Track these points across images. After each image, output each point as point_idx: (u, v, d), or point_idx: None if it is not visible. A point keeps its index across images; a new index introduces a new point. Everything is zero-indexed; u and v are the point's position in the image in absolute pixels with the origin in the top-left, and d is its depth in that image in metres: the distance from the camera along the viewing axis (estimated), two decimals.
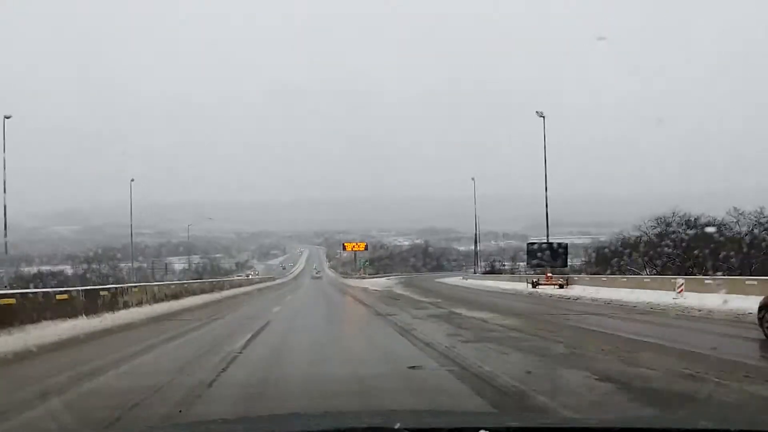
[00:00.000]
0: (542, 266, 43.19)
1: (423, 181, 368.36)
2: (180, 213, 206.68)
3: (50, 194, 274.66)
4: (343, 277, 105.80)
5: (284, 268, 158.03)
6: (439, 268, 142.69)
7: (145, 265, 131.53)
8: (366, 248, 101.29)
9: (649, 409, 6.30)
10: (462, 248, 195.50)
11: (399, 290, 40.86)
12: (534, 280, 41.99)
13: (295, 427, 3.06)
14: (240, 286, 50.75)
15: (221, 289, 39.87)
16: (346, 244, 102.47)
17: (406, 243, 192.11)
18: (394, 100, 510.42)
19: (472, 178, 71.14)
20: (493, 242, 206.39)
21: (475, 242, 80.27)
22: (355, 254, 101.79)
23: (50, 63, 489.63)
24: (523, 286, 43.05)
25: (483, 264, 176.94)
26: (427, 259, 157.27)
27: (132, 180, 67.68)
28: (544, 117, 47.01)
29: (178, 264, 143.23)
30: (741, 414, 5.62)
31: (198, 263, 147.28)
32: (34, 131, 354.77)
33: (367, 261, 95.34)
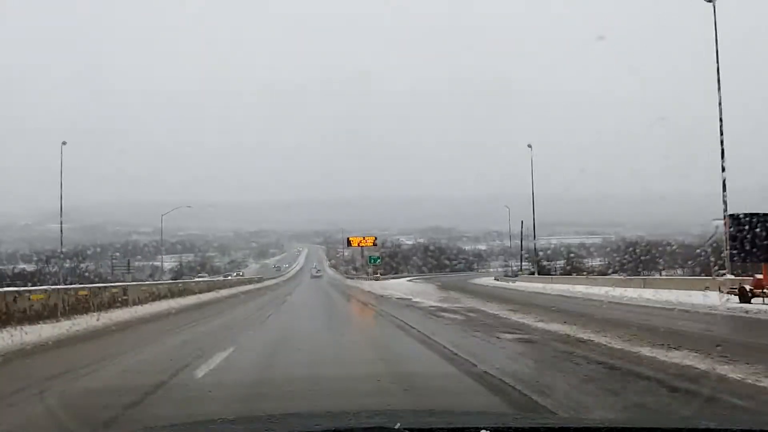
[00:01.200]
0: (752, 259, 20.98)
1: (424, 181, 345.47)
2: (179, 212, 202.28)
3: (48, 192, 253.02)
4: (348, 278, 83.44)
5: (278, 269, 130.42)
6: (441, 267, 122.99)
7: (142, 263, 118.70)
8: (375, 243, 79.21)
9: (650, 409, 5.66)
10: (468, 247, 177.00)
11: (477, 303, 19.26)
12: (747, 287, 20.11)
13: (295, 427, 2.95)
14: (196, 292, 29.50)
15: (159, 297, 20.99)
16: (351, 239, 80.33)
17: (409, 242, 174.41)
18: (394, 100, 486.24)
19: (529, 145, 49.88)
20: (498, 242, 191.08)
21: (532, 234, 58.26)
22: (362, 250, 79.45)
23: (49, 62, 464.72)
24: (694, 298, 21.44)
25: (497, 264, 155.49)
26: (434, 258, 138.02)
27: (64, 143, 47.45)
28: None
29: (168, 263, 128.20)
30: (743, 413, 5.18)
31: (190, 261, 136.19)
32: (33, 130, 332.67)
33: (379, 258, 73.40)
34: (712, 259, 25.94)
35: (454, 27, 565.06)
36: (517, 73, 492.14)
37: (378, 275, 59.79)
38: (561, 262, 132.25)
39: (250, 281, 58.05)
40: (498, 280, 66.38)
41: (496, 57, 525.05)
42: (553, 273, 79.78)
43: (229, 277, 67.80)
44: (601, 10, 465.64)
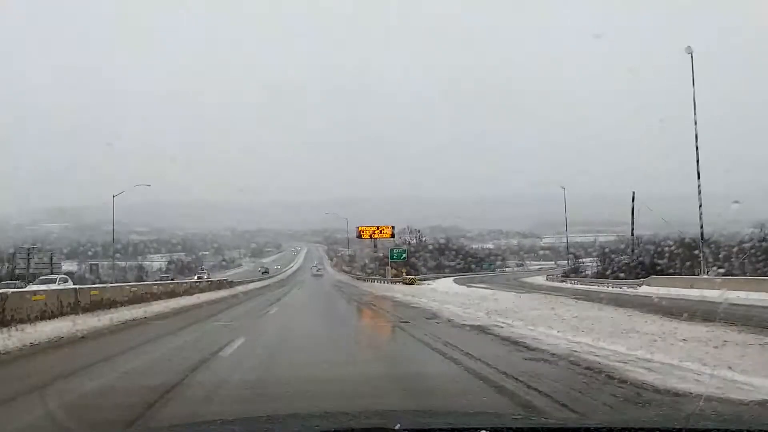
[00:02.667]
0: None
1: (422, 181, 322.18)
2: (175, 212, 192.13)
3: (44, 191, 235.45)
4: (357, 279, 61.15)
5: (265, 271, 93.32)
6: (442, 267, 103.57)
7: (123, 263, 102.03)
8: (393, 235, 57.24)
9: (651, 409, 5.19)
10: (475, 246, 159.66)
11: None
12: None
13: (294, 427, 2.81)
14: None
15: None
16: (361, 229, 58.16)
17: (413, 241, 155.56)
18: (393, 101, 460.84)
19: (688, 49, 28.35)
20: (504, 240, 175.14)
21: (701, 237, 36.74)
22: (375, 243, 57.29)
23: (47, 62, 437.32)
24: None
25: (514, 263, 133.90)
26: (433, 258, 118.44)
27: None
28: None
29: (159, 262, 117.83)
30: (742, 415, 4.36)
31: (177, 260, 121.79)
32: (30, 129, 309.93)
33: (404, 252, 51.75)
34: None
35: (454, 28, 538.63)
36: (516, 72, 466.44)
37: (413, 277, 36.59)
38: (589, 260, 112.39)
39: (226, 285, 35.40)
40: (560, 281, 45.29)
41: (495, 57, 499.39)
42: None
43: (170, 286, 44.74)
44: (604, 10, 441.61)
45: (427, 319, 14.32)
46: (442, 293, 23.28)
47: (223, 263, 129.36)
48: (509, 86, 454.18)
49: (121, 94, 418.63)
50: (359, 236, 59.34)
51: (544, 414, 4.85)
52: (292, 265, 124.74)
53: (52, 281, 30.01)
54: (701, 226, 28.62)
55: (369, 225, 58.32)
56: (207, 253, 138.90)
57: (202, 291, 27.12)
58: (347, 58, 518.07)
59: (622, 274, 53.51)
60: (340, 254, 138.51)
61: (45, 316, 11.05)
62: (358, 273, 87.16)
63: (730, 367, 6.57)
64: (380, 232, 57.26)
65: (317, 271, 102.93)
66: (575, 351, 8.30)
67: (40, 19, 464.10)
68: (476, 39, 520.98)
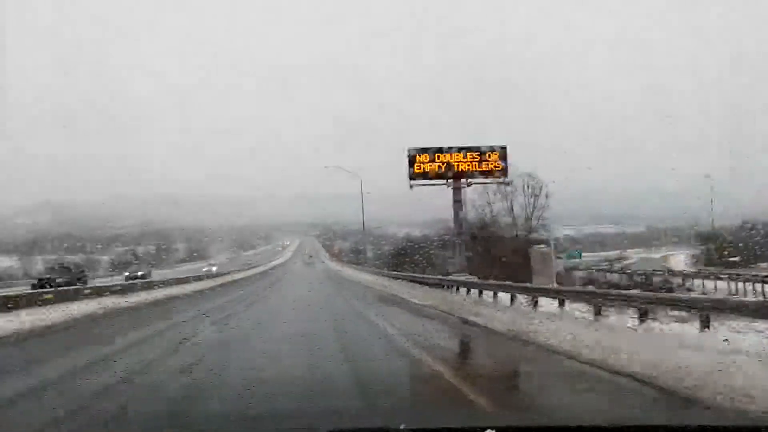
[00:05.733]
0: None
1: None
2: (166, 207, 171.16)
3: (30, 185, 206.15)
4: (414, 283, 24.81)
5: (137, 276, 43.77)
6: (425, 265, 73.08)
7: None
8: (505, 171, 20.95)
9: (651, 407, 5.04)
10: None
11: None
12: None
13: (298, 425, 2.62)
14: None
15: None
16: (421, 159, 21.74)
17: (417, 234, 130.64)
18: (393, 94, 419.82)
19: None
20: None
21: None
22: (457, 195, 20.69)
23: (39, 56, 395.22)
24: None
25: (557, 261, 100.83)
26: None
27: None
28: None
29: (107, 256, 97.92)
30: (741, 412, 4.49)
31: (143, 253, 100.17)
32: (18, 121, 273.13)
33: None
34: None
35: (452, 24, 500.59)
36: (515, 70, 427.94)
37: None
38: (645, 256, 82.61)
39: None
40: None
41: (493, 54, 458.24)
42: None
43: None
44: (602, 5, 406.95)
45: None
46: None
47: (195, 256, 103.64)
48: (508, 85, 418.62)
49: (113, 86, 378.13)
50: (414, 176, 23.37)
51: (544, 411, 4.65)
52: (266, 264, 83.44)
53: None
54: None
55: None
56: (182, 245, 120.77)
57: None
58: (341, 53, 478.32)
59: None
60: (336, 249, 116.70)
61: None
62: (371, 267, 52.58)
63: None
64: (481, 162, 21.48)
65: (309, 258, 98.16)
66: None
67: (31, 14, 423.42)
68: (481, 30, 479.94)
